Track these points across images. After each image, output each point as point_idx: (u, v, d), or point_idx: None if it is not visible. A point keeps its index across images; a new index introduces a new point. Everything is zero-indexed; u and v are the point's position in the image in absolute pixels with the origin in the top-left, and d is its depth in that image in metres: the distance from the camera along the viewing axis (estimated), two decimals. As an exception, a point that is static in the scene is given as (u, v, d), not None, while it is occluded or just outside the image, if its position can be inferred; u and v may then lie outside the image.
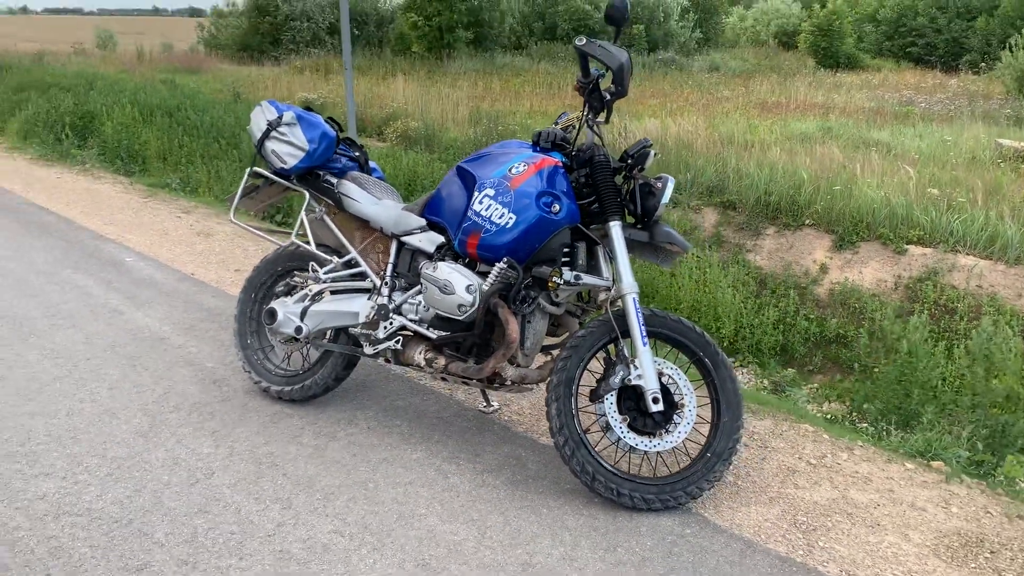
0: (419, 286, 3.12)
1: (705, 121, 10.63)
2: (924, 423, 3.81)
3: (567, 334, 3.13)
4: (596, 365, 2.98)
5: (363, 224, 3.39)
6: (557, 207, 2.83)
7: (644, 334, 2.79)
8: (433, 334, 3.10)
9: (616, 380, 2.83)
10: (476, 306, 2.91)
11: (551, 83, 17.52)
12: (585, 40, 2.78)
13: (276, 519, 2.74)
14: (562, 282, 2.83)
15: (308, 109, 3.48)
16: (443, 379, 3.18)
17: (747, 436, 3.38)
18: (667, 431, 2.83)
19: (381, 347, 3.21)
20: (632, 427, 2.84)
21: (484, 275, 2.94)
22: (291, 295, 3.52)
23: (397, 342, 3.19)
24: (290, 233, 3.54)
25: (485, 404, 3.54)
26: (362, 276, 3.37)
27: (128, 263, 5.59)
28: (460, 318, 2.96)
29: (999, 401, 3.93)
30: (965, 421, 3.82)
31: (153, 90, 12.31)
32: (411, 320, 3.16)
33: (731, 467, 3.01)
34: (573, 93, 2.95)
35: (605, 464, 2.82)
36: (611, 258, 2.89)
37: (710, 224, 6.81)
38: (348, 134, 4.88)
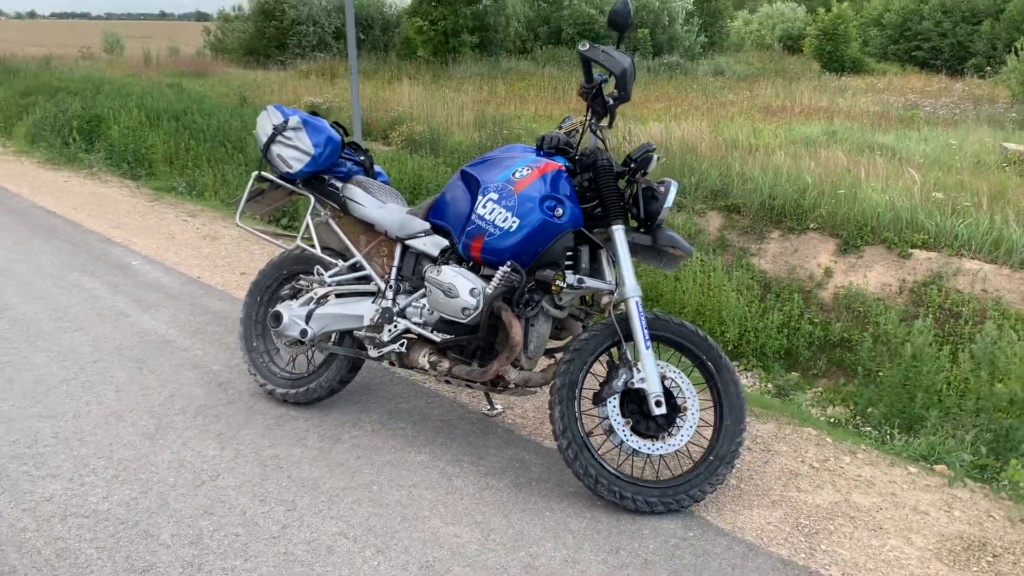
0: (423, 289, 3.14)
1: (709, 125, 10.65)
2: (928, 427, 3.82)
3: (570, 337, 3.15)
4: (599, 368, 2.99)
5: (368, 228, 3.40)
6: (560, 211, 2.84)
7: (647, 337, 2.81)
8: (437, 337, 3.12)
9: (619, 383, 2.84)
10: (480, 309, 2.92)
11: (556, 87, 17.55)
12: (588, 45, 2.80)
13: (281, 521, 2.75)
14: (565, 286, 2.85)
15: (314, 113, 3.50)
16: (447, 382, 3.20)
17: (750, 439, 3.39)
18: (670, 434, 2.84)
19: (385, 350, 3.23)
20: (635, 430, 2.85)
21: (488, 278, 2.96)
22: (296, 298, 3.54)
23: (401, 345, 3.20)
24: (295, 237, 3.56)
25: (489, 407, 3.55)
26: (367, 279, 3.39)
27: (135, 266, 5.62)
28: (464, 321, 2.97)
29: (1003, 405, 3.93)
30: (969, 425, 3.82)
31: (160, 94, 12.37)
32: (415, 323, 3.18)
33: (734, 470, 3.02)
34: (578, 97, 2.97)
35: (608, 467, 2.83)
36: (614, 262, 2.90)
37: (714, 228, 6.82)
38: (353, 138, 4.90)
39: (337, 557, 2.57)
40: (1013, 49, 16.63)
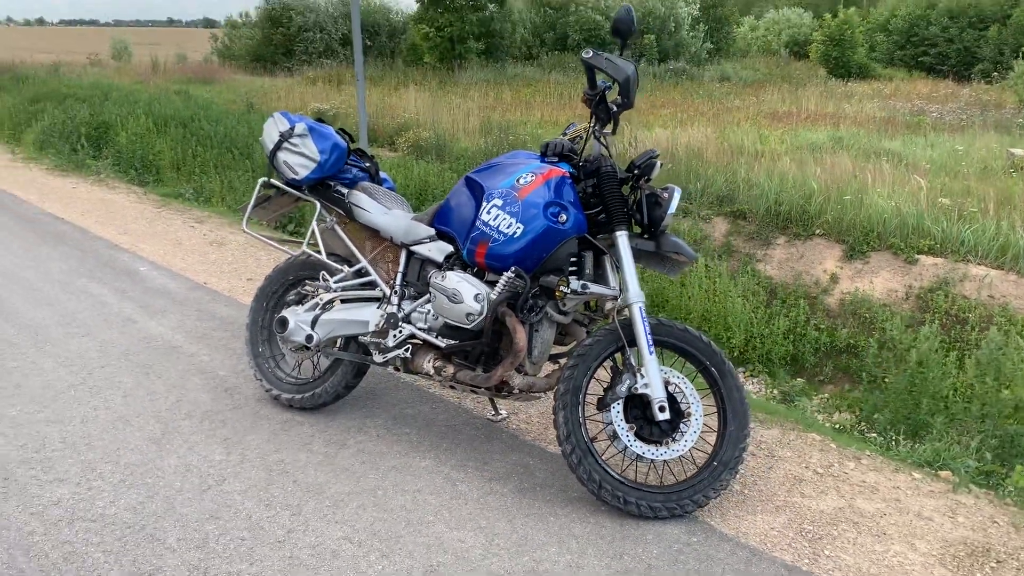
0: (428, 295, 3.15)
1: (715, 131, 10.66)
2: (933, 433, 3.81)
3: (574, 343, 3.15)
4: (603, 374, 3.00)
5: (373, 234, 3.42)
6: (564, 217, 2.86)
7: (651, 343, 2.81)
8: (442, 343, 3.13)
9: (623, 389, 2.84)
10: (484, 315, 2.93)
11: (562, 93, 17.57)
12: (592, 53, 2.82)
13: (286, 525, 2.77)
14: (569, 291, 2.86)
15: (320, 120, 3.52)
16: (452, 387, 3.21)
17: (754, 445, 3.39)
18: (674, 440, 2.85)
19: (390, 355, 3.24)
20: (639, 436, 2.85)
21: (492, 284, 2.97)
22: (302, 304, 3.56)
23: (406, 350, 3.22)
24: (301, 243, 3.58)
25: (493, 412, 3.56)
26: (372, 285, 3.41)
27: (142, 272, 5.65)
28: (468, 327, 2.99)
29: (1009, 411, 3.93)
30: (974, 431, 3.82)
31: (167, 101, 12.43)
32: (420, 329, 3.19)
33: (738, 476, 3.02)
34: (583, 103, 2.99)
35: (612, 472, 2.83)
36: (618, 268, 2.91)
37: (720, 234, 6.82)
38: (359, 145, 4.93)
39: (342, 561, 2.58)
40: (1020, 54, 16.61)
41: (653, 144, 8.96)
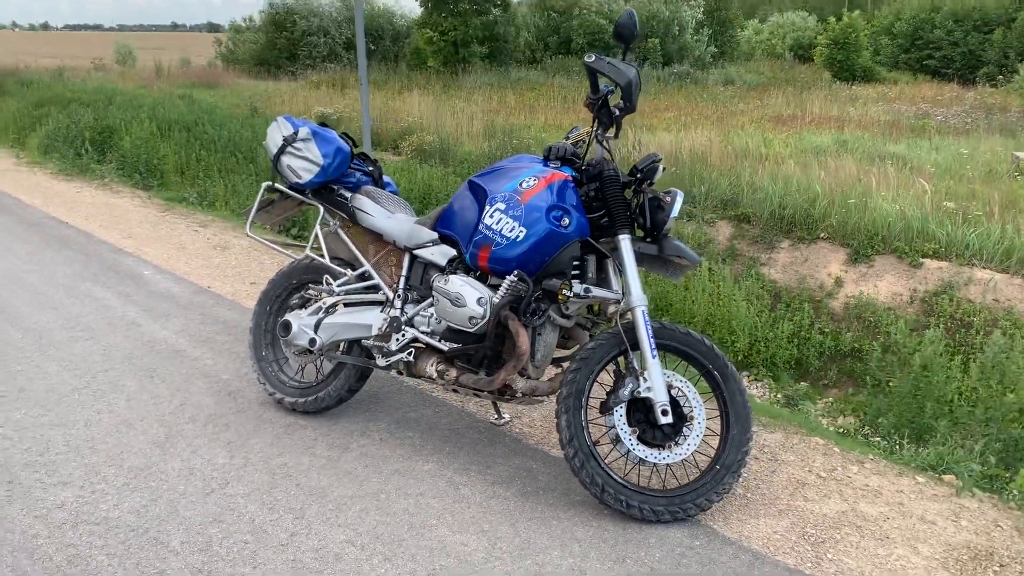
0: (431, 299, 3.15)
1: (719, 134, 10.66)
2: (937, 437, 3.80)
3: (577, 347, 3.16)
4: (606, 377, 3.00)
5: (376, 238, 3.43)
6: (567, 221, 2.86)
7: (653, 346, 2.81)
8: (445, 346, 3.13)
9: (626, 392, 2.85)
10: (487, 318, 2.94)
11: (566, 96, 17.59)
12: (594, 57, 2.82)
13: (289, 528, 2.77)
14: (572, 295, 2.86)
15: (324, 124, 3.53)
16: (455, 391, 3.21)
17: (757, 449, 3.38)
18: (676, 443, 2.85)
19: (393, 359, 3.25)
20: (642, 439, 2.86)
21: (495, 288, 2.97)
22: (305, 308, 3.56)
23: (409, 354, 3.22)
24: (305, 246, 3.59)
25: (496, 416, 3.57)
26: (375, 289, 3.41)
27: (146, 276, 5.66)
28: (471, 330, 2.99)
29: (1013, 415, 3.92)
30: (978, 435, 3.81)
31: (171, 105, 12.46)
32: (423, 332, 3.20)
33: (740, 479, 3.02)
34: (586, 107, 3.00)
35: (615, 476, 2.83)
36: (620, 271, 2.91)
37: (724, 237, 6.82)
38: (362, 149, 4.94)
39: (345, 565, 2.58)
40: (1025, 58, 16.58)
41: (657, 147, 8.96)
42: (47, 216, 7.48)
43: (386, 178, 3.67)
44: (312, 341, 3.39)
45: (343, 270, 3.48)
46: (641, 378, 2.83)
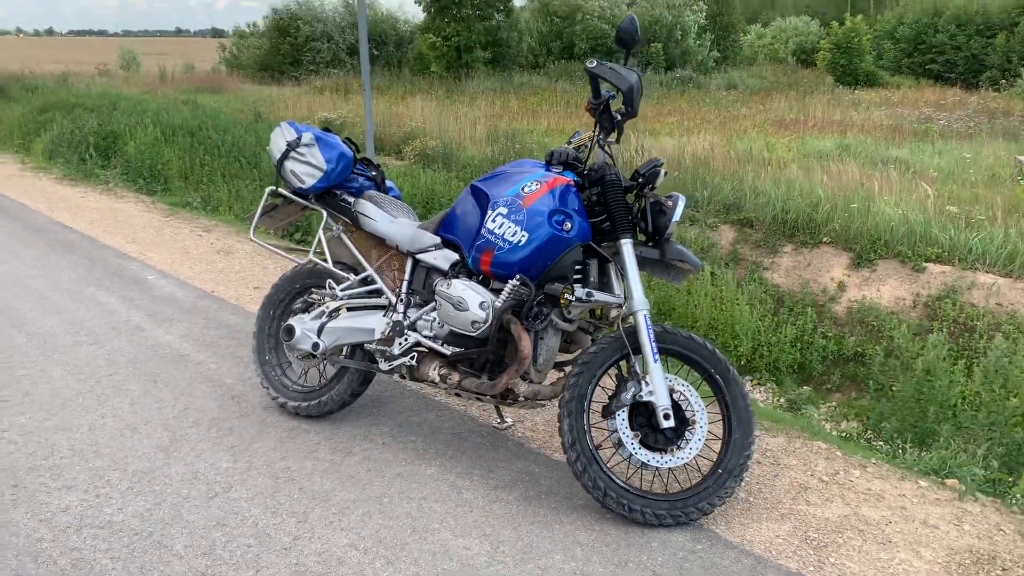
0: (434, 303, 3.16)
1: (722, 139, 10.66)
2: (940, 441, 3.80)
3: (579, 351, 3.16)
4: (608, 381, 3.01)
5: (379, 242, 3.44)
6: (569, 225, 2.87)
7: (655, 351, 2.82)
8: (447, 350, 3.14)
9: (628, 396, 2.85)
10: (489, 323, 2.95)
11: (568, 101, 17.60)
12: (596, 62, 2.84)
13: (292, 532, 2.78)
14: (574, 299, 2.87)
15: (327, 129, 3.54)
16: (457, 395, 3.22)
17: (760, 453, 3.39)
18: (679, 447, 2.85)
19: (396, 363, 3.25)
20: (644, 443, 2.86)
21: (497, 292, 2.98)
22: (308, 312, 3.57)
23: (412, 358, 3.23)
24: (308, 251, 3.60)
25: (499, 420, 3.57)
26: (378, 293, 3.42)
27: (150, 281, 5.68)
28: (474, 334, 3.00)
29: (1016, 419, 3.91)
30: (981, 439, 3.80)
31: (175, 110, 12.50)
32: (426, 336, 3.21)
33: (743, 483, 3.02)
34: (587, 112, 3.01)
35: (617, 480, 2.84)
36: (622, 275, 2.92)
37: (727, 242, 6.82)
38: (365, 154, 4.95)
39: (348, 568, 2.59)
40: (1028, 62, 16.58)
41: (660, 152, 8.97)
42: (51, 221, 7.50)
43: (389, 183, 3.68)
44: (315, 345, 3.40)
45: (346, 274, 3.49)
46: (643, 382, 2.84)
